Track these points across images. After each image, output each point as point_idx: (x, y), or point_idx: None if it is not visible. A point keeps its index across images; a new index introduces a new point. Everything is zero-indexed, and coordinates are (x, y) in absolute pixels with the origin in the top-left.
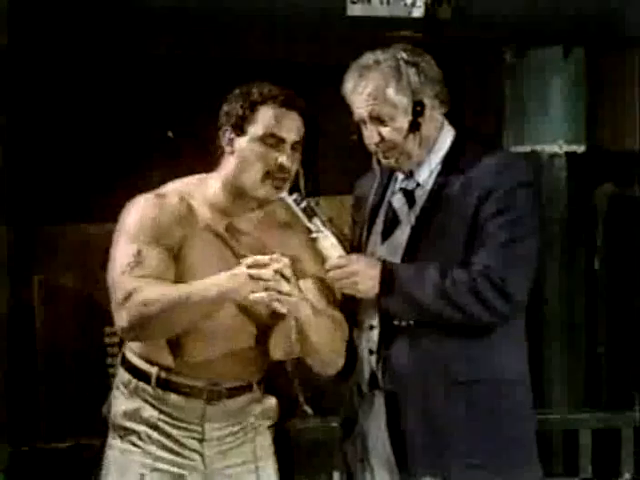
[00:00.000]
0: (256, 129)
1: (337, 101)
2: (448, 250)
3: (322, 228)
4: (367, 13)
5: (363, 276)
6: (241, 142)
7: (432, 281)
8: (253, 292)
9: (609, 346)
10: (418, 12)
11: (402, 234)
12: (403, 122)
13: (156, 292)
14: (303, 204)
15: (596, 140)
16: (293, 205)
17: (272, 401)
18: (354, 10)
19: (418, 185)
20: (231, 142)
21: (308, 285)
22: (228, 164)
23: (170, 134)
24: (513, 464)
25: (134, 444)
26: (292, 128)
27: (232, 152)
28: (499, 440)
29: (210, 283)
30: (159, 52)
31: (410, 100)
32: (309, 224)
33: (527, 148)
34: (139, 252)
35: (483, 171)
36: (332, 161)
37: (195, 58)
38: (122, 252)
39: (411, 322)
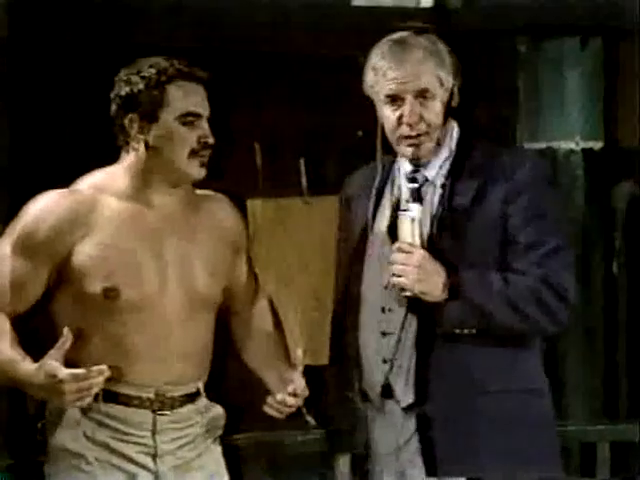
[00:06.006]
0: (170, 112)
1: (341, 94)
2: (473, 251)
3: (415, 213)
4: (373, 3)
5: (428, 276)
6: (155, 128)
7: (497, 288)
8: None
9: (629, 355)
10: (427, 1)
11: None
12: (441, 104)
13: None
14: (414, 185)
15: (614, 136)
16: (404, 177)
17: (219, 409)
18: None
19: (426, 181)
20: (142, 130)
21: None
22: (136, 153)
23: None
24: (543, 474)
25: (80, 469)
26: (203, 102)
27: (144, 140)
28: (530, 450)
29: (28, 375)
30: (158, 44)
31: (452, 80)
32: (404, 202)
33: (542, 144)
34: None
35: (504, 170)
36: (338, 158)
37: (194, 50)
38: None
39: (466, 331)
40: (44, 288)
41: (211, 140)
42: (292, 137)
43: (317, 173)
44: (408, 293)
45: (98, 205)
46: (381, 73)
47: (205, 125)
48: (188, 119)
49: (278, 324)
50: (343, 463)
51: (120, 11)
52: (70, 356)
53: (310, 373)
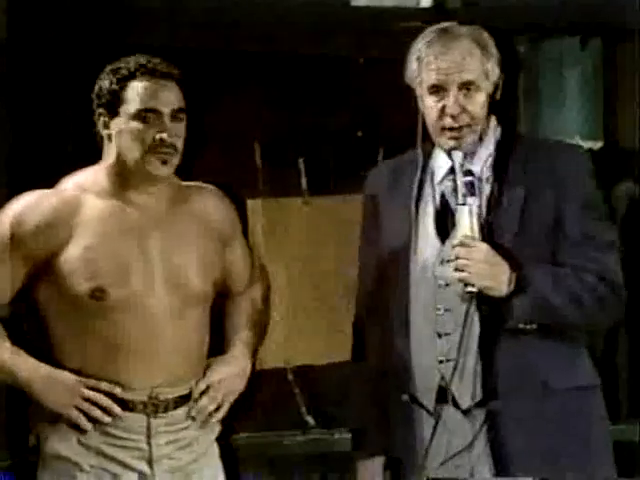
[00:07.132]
0: (128, 107)
1: (341, 94)
2: (526, 245)
3: (473, 206)
4: (372, 3)
5: (493, 270)
6: (116, 124)
7: (564, 282)
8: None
9: (629, 355)
10: (426, 1)
11: None
12: (486, 96)
13: None
14: (469, 178)
15: (614, 136)
16: (459, 170)
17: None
18: (359, 0)
19: (472, 175)
20: (106, 125)
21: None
22: (109, 150)
23: None
24: (603, 468)
25: (73, 477)
26: (168, 98)
27: (109, 136)
28: (594, 446)
29: (25, 371)
30: (157, 45)
31: (498, 72)
32: (461, 195)
33: None
34: None
35: (551, 165)
36: (338, 158)
37: (193, 50)
38: None
39: (529, 326)
40: (16, 288)
41: (167, 137)
42: (292, 137)
43: (317, 173)
44: (472, 289)
45: (82, 205)
46: (425, 62)
47: (165, 122)
48: (146, 115)
49: (261, 312)
50: (375, 466)
51: (119, 12)
52: (63, 362)
53: (309, 373)
